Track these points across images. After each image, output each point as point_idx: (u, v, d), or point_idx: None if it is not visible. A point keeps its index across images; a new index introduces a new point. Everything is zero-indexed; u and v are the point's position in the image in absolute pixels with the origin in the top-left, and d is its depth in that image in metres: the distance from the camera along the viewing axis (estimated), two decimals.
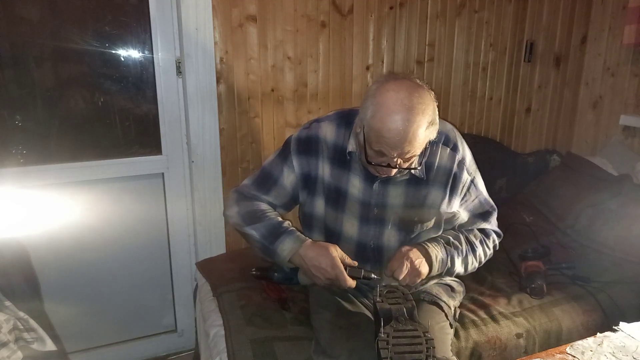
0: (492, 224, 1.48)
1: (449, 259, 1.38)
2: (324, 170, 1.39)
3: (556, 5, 2.48)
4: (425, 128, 1.19)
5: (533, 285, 1.66)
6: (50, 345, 1.19)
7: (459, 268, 1.41)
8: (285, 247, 1.31)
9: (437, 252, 1.35)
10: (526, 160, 2.53)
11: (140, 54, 1.89)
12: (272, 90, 2.00)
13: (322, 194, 1.40)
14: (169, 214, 2.04)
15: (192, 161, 1.94)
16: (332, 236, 1.41)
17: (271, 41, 1.95)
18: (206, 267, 1.83)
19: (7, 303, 1.18)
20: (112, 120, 1.91)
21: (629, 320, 1.28)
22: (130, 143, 1.97)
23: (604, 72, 2.54)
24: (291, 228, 1.35)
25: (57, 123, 1.85)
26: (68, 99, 1.85)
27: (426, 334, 1.11)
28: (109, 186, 1.91)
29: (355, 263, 1.29)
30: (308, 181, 1.41)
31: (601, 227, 2.01)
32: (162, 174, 1.99)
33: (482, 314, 1.56)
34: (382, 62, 2.17)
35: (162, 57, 1.88)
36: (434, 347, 1.09)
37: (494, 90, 2.47)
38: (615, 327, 1.25)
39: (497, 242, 1.50)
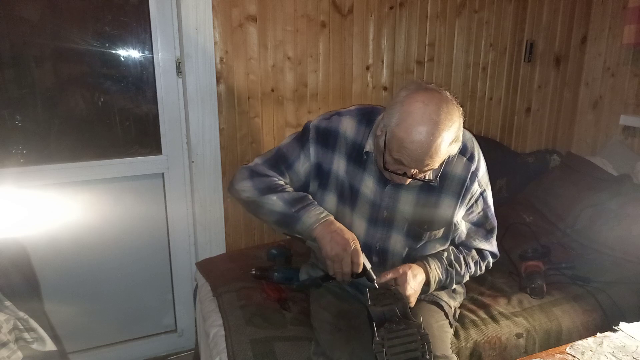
0: (492, 244, 1.46)
1: (447, 281, 1.39)
2: (339, 165, 1.37)
3: (556, 5, 2.48)
4: (448, 144, 1.18)
5: (533, 285, 1.66)
6: (50, 345, 1.19)
7: (451, 286, 1.44)
8: (313, 215, 1.26)
9: (437, 274, 1.35)
10: (526, 160, 2.53)
11: (140, 54, 1.89)
12: (272, 90, 2.00)
13: (335, 189, 1.38)
14: (169, 214, 2.04)
15: (192, 161, 1.94)
16: None
17: (271, 41, 1.95)
18: (206, 267, 1.84)
19: (7, 303, 1.18)
20: (112, 120, 1.91)
21: (629, 320, 1.28)
22: (130, 143, 1.97)
23: (604, 72, 2.54)
24: (315, 202, 1.32)
25: (57, 123, 1.85)
26: (68, 99, 1.86)
27: (420, 330, 1.12)
28: (109, 186, 1.91)
29: (367, 260, 1.28)
30: (320, 172, 1.39)
31: (601, 227, 2.01)
32: (162, 174, 1.99)
33: (482, 314, 1.56)
34: (382, 62, 2.17)
35: (162, 57, 1.88)
36: (429, 342, 1.10)
37: (494, 90, 2.47)
38: (615, 327, 1.25)
39: (491, 263, 1.49)
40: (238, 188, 1.38)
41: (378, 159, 1.27)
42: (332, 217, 1.29)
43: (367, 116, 1.37)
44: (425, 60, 2.26)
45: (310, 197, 1.33)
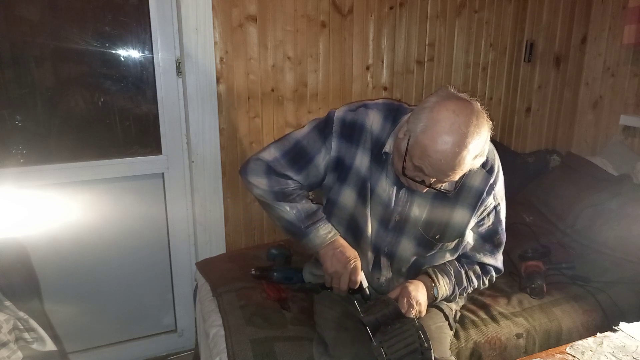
0: (497, 260, 1.44)
1: (451, 297, 1.39)
2: (362, 161, 1.32)
3: (556, 5, 2.48)
4: (472, 158, 1.14)
5: (533, 285, 1.66)
6: (50, 345, 1.19)
7: (454, 300, 1.45)
8: (320, 235, 1.27)
9: (445, 291, 1.35)
10: (526, 160, 2.53)
11: (140, 54, 1.89)
12: (272, 90, 2.00)
13: (355, 185, 1.34)
14: (169, 214, 2.04)
15: (192, 161, 1.94)
16: (356, 230, 1.36)
17: (271, 41, 1.95)
18: (206, 267, 1.83)
19: (7, 303, 1.19)
20: (112, 120, 1.91)
21: (629, 320, 1.28)
22: (130, 143, 1.97)
23: (604, 72, 2.54)
24: (325, 217, 1.32)
25: (57, 123, 1.85)
26: (68, 99, 1.85)
27: (414, 323, 1.13)
28: (109, 186, 1.91)
29: (364, 279, 1.29)
30: (339, 166, 1.34)
31: (601, 227, 2.01)
32: (162, 174, 1.99)
33: (482, 314, 1.56)
34: (382, 62, 2.17)
35: (162, 57, 1.88)
36: (424, 331, 1.11)
37: (494, 90, 2.47)
38: (615, 327, 1.26)
39: (495, 277, 1.48)
40: (252, 182, 1.34)
41: (397, 162, 1.23)
42: (338, 236, 1.29)
43: (394, 113, 1.32)
44: (425, 60, 2.26)
45: (321, 211, 1.33)
